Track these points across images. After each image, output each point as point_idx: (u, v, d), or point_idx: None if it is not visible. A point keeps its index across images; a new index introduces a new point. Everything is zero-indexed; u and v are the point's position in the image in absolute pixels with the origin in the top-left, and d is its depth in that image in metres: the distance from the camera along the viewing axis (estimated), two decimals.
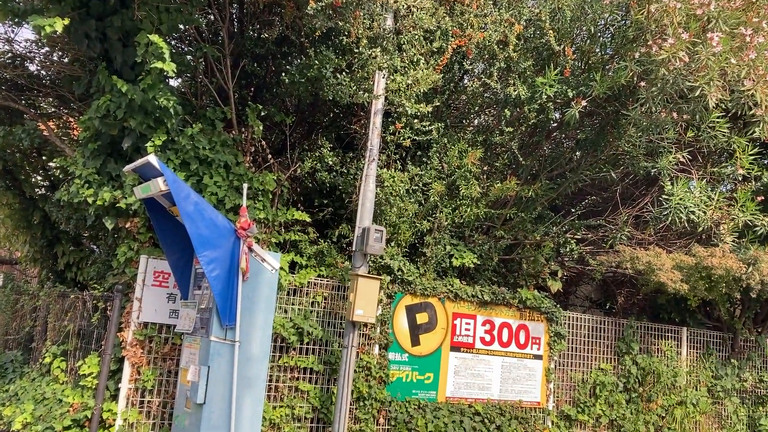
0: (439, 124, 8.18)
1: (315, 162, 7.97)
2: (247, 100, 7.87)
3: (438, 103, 8.09)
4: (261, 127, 7.39)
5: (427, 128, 7.92)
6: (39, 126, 7.72)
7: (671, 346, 10.03)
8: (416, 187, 8.27)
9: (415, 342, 7.93)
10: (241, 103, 7.85)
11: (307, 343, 7.28)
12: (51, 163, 9.12)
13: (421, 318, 7.99)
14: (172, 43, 8.08)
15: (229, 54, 7.44)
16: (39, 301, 8.68)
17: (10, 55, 7.86)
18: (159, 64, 5.75)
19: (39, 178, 9.29)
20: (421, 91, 7.47)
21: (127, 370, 6.48)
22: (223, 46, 7.40)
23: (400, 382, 7.77)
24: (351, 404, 7.21)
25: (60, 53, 7.86)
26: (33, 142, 7.52)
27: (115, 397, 6.50)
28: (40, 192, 9.11)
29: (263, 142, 7.65)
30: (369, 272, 7.17)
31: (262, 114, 7.51)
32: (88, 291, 7.55)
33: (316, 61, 7.03)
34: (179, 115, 6.45)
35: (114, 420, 6.38)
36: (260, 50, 7.88)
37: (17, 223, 9.21)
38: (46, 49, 7.97)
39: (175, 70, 5.87)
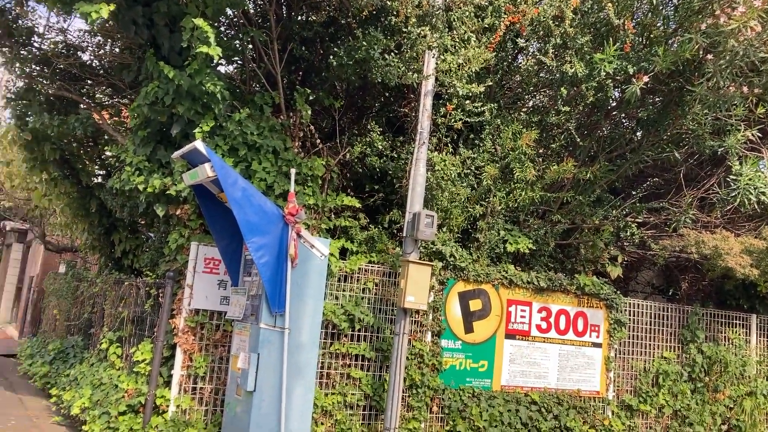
0: (492, 105, 7.91)
1: (365, 147, 7.83)
2: (295, 85, 7.77)
3: (490, 83, 7.82)
4: (309, 112, 7.28)
5: (479, 109, 7.67)
6: (93, 115, 7.80)
7: (739, 334, 9.54)
8: (468, 171, 8.04)
9: (469, 329, 7.74)
10: (290, 88, 7.76)
11: (359, 330, 7.18)
12: (107, 152, 9.27)
13: (475, 305, 7.78)
14: (221, 29, 8.03)
15: (276, 38, 7.35)
16: (96, 288, 8.85)
17: (63, 45, 7.95)
18: (204, 49, 5.69)
19: (95, 166, 9.45)
20: (473, 70, 7.22)
21: (179, 356, 6.51)
22: (271, 29, 7.30)
23: (454, 370, 7.60)
24: (403, 392, 7.09)
25: (111, 41, 7.91)
26: (86, 131, 7.61)
27: (168, 384, 6.54)
28: (96, 180, 9.27)
29: (312, 127, 7.53)
30: (420, 258, 7.00)
31: (311, 98, 7.40)
32: (142, 278, 7.63)
33: (364, 42, 6.86)
34: (226, 100, 6.40)
35: (167, 406, 6.42)
36: (308, 33, 7.76)
37: (76, 212, 9.40)
38: (99, 38, 8.04)
39: (221, 54, 5.81)
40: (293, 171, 6.11)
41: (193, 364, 6.54)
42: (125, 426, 6.28)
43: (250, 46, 7.98)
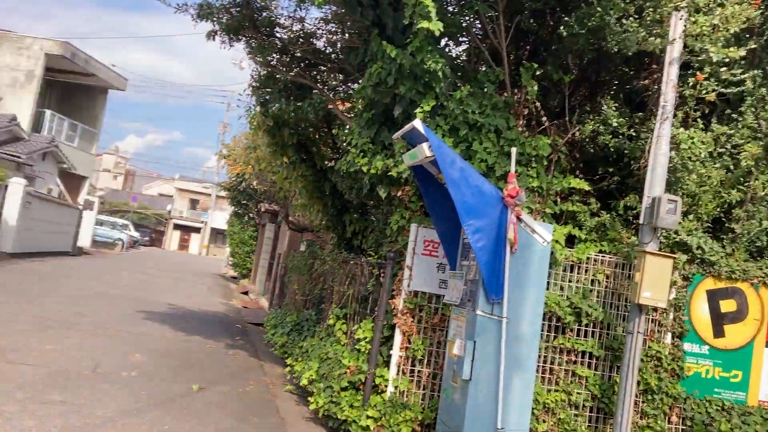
0: (755, 72, 6.72)
1: (597, 124, 7.14)
2: (521, 61, 7.33)
3: (753, 46, 6.64)
4: (536, 88, 6.81)
5: (738, 77, 6.56)
6: (324, 99, 8.13)
7: None
8: (723, 150, 6.94)
9: (719, 333, 6.72)
10: (516, 64, 7.34)
11: (586, 325, 6.59)
12: (339, 136, 9.67)
13: (727, 306, 6.73)
14: (448, 8, 7.86)
15: (502, 11, 6.98)
16: (326, 266, 9.29)
17: (300, 33, 8.38)
18: (425, 24, 5.53)
19: (329, 150, 9.91)
20: (731, 32, 6.17)
21: (398, 337, 6.51)
22: (497, 3, 6.95)
23: (698, 378, 6.66)
24: (637, 396, 6.38)
25: (341, 26, 8.16)
26: (317, 115, 7.97)
27: (387, 364, 6.58)
28: (329, 164, 9.71)
29: (538, 104, 7.05)
30: (660, 249, 6.19)
31: (538, 74, 6.91)
32: (366, 258, 7.79)
33: (599, 9, 6.21)
34: (448, 78, 6.20)
35: (386, 386, 6.46)
36: (537, 5, 7.27)
37: (312, 193, 9.96)
38: (332, 25, 8.35)
39: (442, 29, 5.60)
40: (515, 150, 5.71)
41: (411, 346, 6.50)
42: (346, 402, 6.43)
43: (478, 23, 7.71)
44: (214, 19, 8.00)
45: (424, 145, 5.33)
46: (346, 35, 8.32)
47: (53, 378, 6.92)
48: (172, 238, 72.24)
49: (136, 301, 15.49)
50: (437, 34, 5.63)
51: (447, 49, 7.91)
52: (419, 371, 6.54)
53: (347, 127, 8.02)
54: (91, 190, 40.31)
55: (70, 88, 34.59)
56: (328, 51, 8.60)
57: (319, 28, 8.56)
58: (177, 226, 72.17)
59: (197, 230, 70.22)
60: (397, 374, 6.49)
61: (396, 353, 6.50)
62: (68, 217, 29.92)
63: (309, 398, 6.93)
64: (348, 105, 9.25)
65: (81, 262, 27.10)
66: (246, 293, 24.31)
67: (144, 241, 61.36)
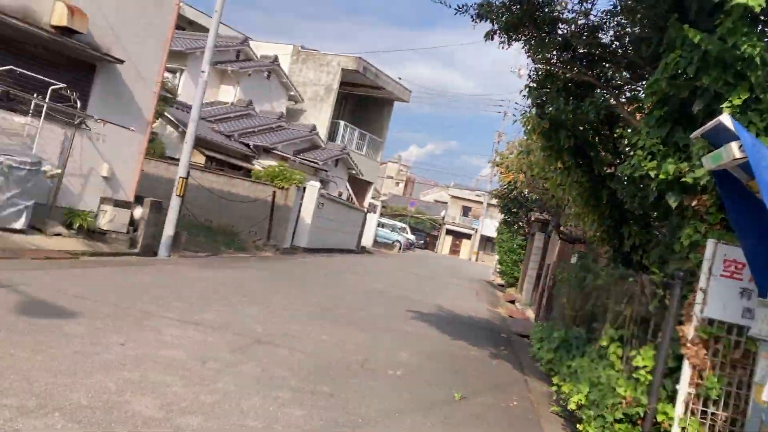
0: None
1: None
2: None
3: None
4: None
5: None
6: (607, 97, 7.42)
7: None
8: None
9: None
10: None
11: None
12: (621, 139, 8.83)
13: None
14: None
15: None
16: (600, 281, 8.49)
17: (584, 27, 7.78)
18: (742, 0, 4.61)
19: (609, 155, 9.11)
20: None
21: (686, 371, 5.57)
22: None
23: None
24: None
25: (631, 17, 7.37)
26: (598, 115, 7.29)
27: (671, 399, 5.68)
28: (608, 170, 8.92)
29: None
30: None
31: None
32: (648, 276, 6.90)
33: None
34: (767, 65, 5.13)
35: (669, 425, 5.56)
36: None
37: (587, 201, 9.24)
38: (619, 17, 7.61)
39: (763, 5, 4.62)
40: None
41: (703, 383, 5.52)
42: None
43: None
44: (494, 17, 7.79)
45: (733, 145, 4.42)
46: (636, 28, 7.49)
47: (325, 369, 7.25)
48: (444, 243, 75.17)
49: (406, 300, 16.06)
50: (757, 10, 4.67)
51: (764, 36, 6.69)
52: (713, 414, 5.52)
53: (631, 128, 7.20)
54: (376, 194, 43.51)
55: (361, 100, 37.74)
56: (614, 45, 7.85)
57: (605, 22, 7.86)
58: (449, 232, 75.01)
59: (468, 236, 72.16)
60: (685, 413, 5.55)
61: (684, 389, 5.56)
62: (354, 218, 32.58)
63: (578, 425, 6.33)
64: (634, 106, 8.39)
65: (362, 260, 29.26)
66: (512, 302, 23.96)
67: (419, 244, 64.68)
